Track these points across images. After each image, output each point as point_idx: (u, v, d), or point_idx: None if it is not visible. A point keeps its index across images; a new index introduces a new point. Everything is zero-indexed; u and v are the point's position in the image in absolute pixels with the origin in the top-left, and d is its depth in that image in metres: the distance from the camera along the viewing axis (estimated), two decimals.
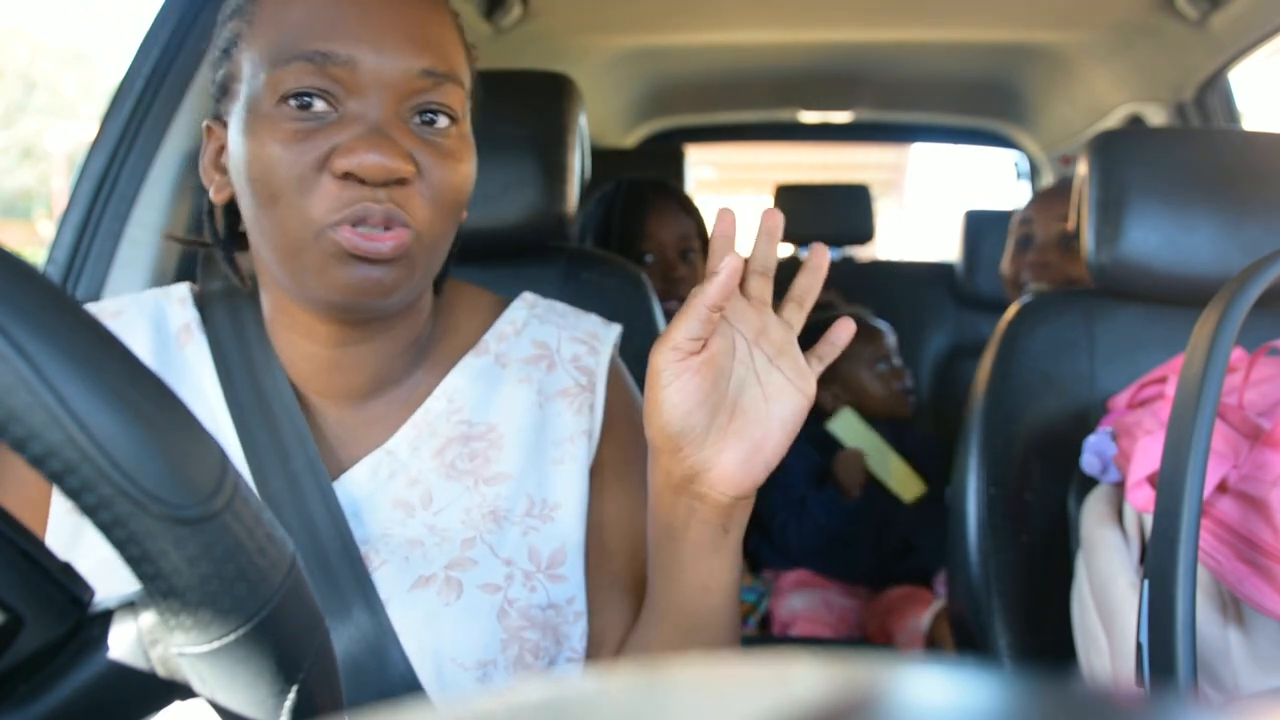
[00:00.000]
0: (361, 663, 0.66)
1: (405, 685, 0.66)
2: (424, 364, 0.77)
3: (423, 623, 0.68)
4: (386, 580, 0.69)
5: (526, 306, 0.82)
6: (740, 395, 0.64)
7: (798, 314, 0.66)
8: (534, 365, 0.79)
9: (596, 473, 0.78)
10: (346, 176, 0.63)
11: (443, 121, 0.67)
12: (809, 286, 0.66)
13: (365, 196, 0.63)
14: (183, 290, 0.79)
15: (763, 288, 0.65)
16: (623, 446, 0.79)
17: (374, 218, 0.63)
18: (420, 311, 0.75)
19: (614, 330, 0.83)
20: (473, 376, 0.77)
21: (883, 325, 1.98)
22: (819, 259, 0.66)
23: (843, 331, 0.66)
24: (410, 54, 0.65)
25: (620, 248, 1.68)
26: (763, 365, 0.65)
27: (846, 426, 1.87)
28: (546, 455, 0.76)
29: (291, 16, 0.65)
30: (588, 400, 0.78)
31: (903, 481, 1.85)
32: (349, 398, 0.75)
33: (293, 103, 0.64)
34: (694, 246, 1.74)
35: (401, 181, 0.64)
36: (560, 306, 0.84)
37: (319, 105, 0.64)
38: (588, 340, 0.81)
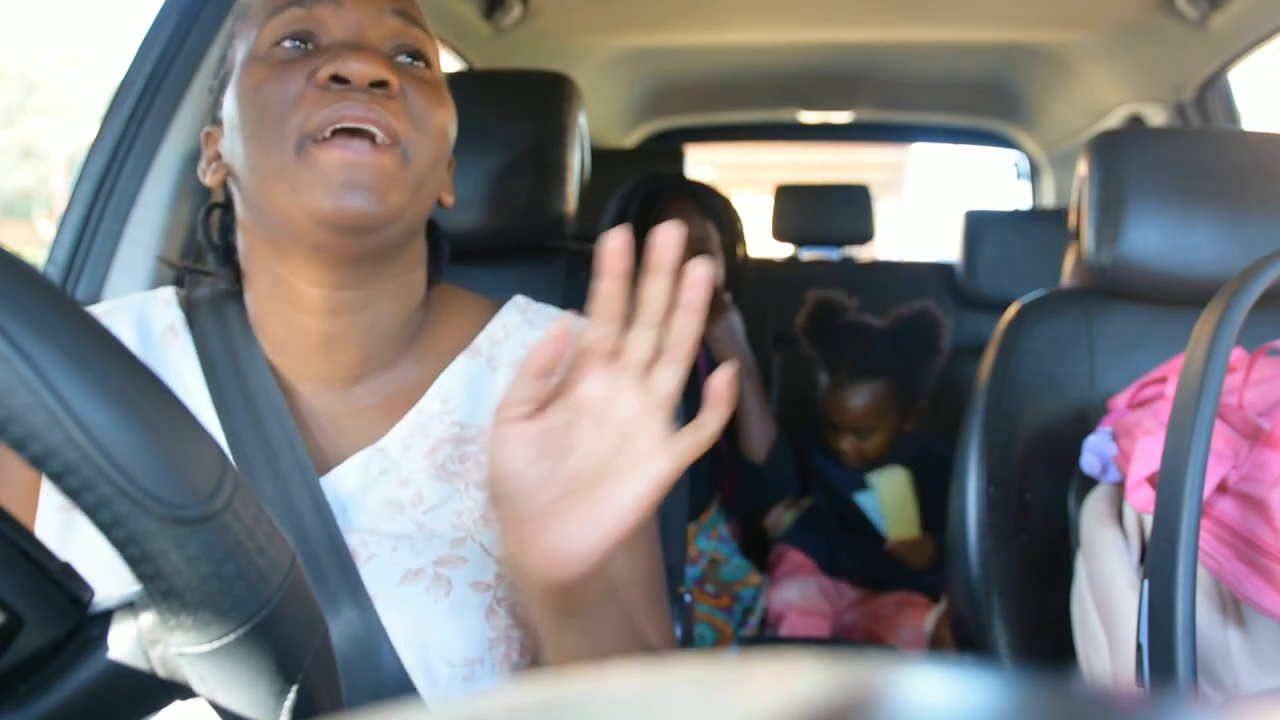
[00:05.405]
0: (351, 661, 0.66)
1: (396, 683, 0.66)
2: (414, 359, 0.77)
3: (412, 620, 0.68)
4: (374, 575, 0.69)
5: (518, 310, 0.82)
6: (578, 474, 0.56)
7: (670, 374, 0.56)
8: None
9: None
10: (329, 84, 0.65)
11: (420, 63, 0.71)
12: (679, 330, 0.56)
13: (347, 97, 0.64)
14: (167, 293, 0.80)
15: (631, 345, 0.56)
16: None
17: (354, 112, 0.64)
18: (410, 284, 0.75)
19: None
20: (466, 378, 0.77)
21: (873, 386, 1.78)
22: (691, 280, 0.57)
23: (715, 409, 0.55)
24: None
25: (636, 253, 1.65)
26: (611, 440, 0.56)
27: (889, 485, 1.77)
28: None
29: None
30: None
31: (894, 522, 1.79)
32: (338, 381, 0.75)
33: (286, 44, 0.68)
34: (708, 249, 1.65)
35: (384, 86, 0.65)
36: (552, 311, 0.83)
37: (309, 45, 0.69)
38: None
